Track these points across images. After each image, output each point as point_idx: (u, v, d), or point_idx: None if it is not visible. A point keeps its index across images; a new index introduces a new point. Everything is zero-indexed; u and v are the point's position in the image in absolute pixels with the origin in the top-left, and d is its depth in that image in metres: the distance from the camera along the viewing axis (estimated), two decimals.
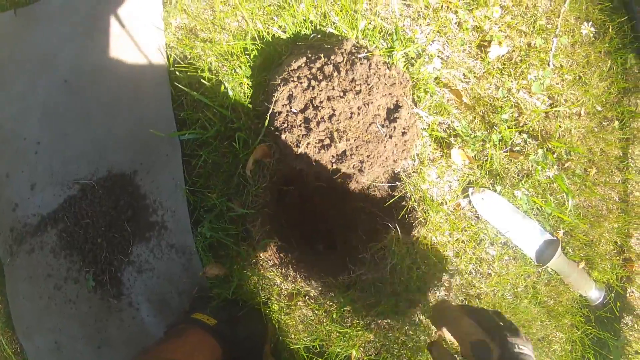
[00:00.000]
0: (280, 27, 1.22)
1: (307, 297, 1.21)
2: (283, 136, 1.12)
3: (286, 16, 1.21)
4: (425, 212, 1.21)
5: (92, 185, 1.33)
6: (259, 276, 1.19)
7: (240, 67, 1.19)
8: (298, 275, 1.21)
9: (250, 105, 1.19)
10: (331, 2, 1.23)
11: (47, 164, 1.40)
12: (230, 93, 1.16)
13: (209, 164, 1.20)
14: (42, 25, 1.46)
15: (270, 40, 1.21)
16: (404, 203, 1.23)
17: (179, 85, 1.20)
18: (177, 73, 1.24)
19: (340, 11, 1.20)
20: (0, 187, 1.46)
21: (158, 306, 1.29)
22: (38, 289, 1.40)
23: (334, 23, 1.20)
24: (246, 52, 1.22)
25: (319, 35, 1.21)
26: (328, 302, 1.19)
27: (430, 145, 1.22)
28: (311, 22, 1.21)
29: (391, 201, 1.22)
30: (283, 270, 1.21)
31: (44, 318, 1.40)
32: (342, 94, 1.09)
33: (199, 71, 1.23)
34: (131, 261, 1.31)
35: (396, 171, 1.22)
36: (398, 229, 1.18)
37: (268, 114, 1.11)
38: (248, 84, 1.19)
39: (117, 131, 1.34)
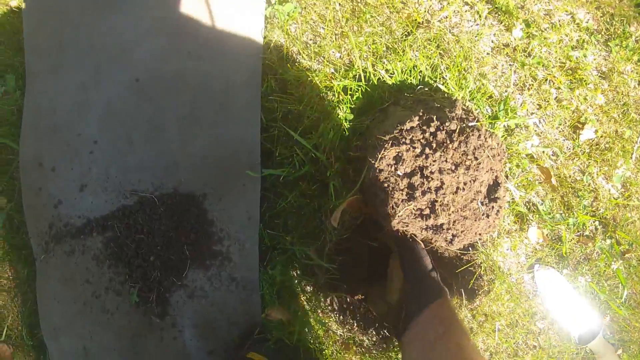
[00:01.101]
0: (387, 70, 1.12)
1: (361, 347, 1.18)
2: (381, 196, 1.04)
3: (396, 60, 1.11)
4: (491, 281, 1.19)
5: (153, 200, 1.21)
6: (319, 322, 1.15)
7: (341, 107, 1.08)
8: (355, 323, 1.18)
9: (343, 148, 1.10)
10: (442, 56, 1.13)
11: (102, 167, 1.25)
12: (328, 135, 1.06)
13: (291, 205, 1.11)
14: (118, 13, 1.26)
15: (376, 83, 1.11)
16: (472, 269, 1.20)
17: (272, 118, 1.08)
18: (270, 98, 1.11)
19: (452, 66, 1.12)
20: (42, 179, 1.29)
21: (204, 332, 1.22)
22: (73, 293, 1.28)
23: (444, 78, 1.11)
24: (349, 92, 1.11)
25: (426, 89, 1.12)
26: (382, 354, 1.18)
27: (509, 218, 1.19)
28: (420, 72, 1.12)
29: (463, 268, 1.19)
30: (341, 317, 1.17)
31: (75, 322, 1.29)
32: (454, 167, 1.03)
33: (296, 103, 1.13)
34: (184, 285, 1.22)
35: (466, 243, 1.19)
36: (464, 294, 1.15)
37: (367, 169, 1.04)
38: (346, 127, 1.09)
39: (192, 148, 1.20)
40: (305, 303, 1.17)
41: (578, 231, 1.23)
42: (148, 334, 1.25)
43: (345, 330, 1.17)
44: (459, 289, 1.19)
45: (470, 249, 1.21)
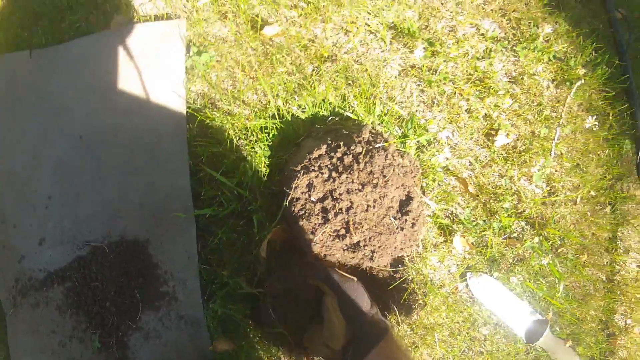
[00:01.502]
0: (299, 106, 1.47)
1: None
2: (300, 222, 1.38)
3: (306, 96, 1.47)
4: (425, 295, 1.51)
5: (104, 249, 1.51)
6: (266, 352, 1.47)
7: (259, 145, 1.44)
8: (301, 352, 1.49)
9: (266, 184, 1.45)
10: (350, 85, 1.48)
11: (57, 220, 1.56)
12: (249, 172, 1.42)
13: (223, 241, 1.45)
14: (59, 72, 1.59)
15: (290, 119, 1.47)
16: (405, 285, 1.52)
17: (198, 162, 1.45)
18: (195, 144, 1.47)
19: (359, 95, 1.47)
20: (7, 236, 1.59)
21: None
22: (41, 344, 1.55)
23: (352, 107, 1.47)
24: (265, 130, 1.47)
25: (337, 118, 1.46)
26: None
27: (433, 231, 1.52)
28: (330, 103, 1.47)
29: (394, 285, 1.51)
30: (288, 347, 1.49)
31: None
32: (360, 187, 1.35)
33: (217, 145, 1.45)
34: (139, 327, 1.49)
35: (399, 255, 1.51)
36: (397, 310, 1.47)
37: (286, 200, 1.35)
38: (265, 163, 1.45)
39: (131, 196, 1.51)
40: (250, 333, 1.50)
41: (504, 234, 1.55)
42: None
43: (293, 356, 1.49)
44: (395, 306, 1.50)
45: (400, 265, 1.54)
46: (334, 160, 1.34)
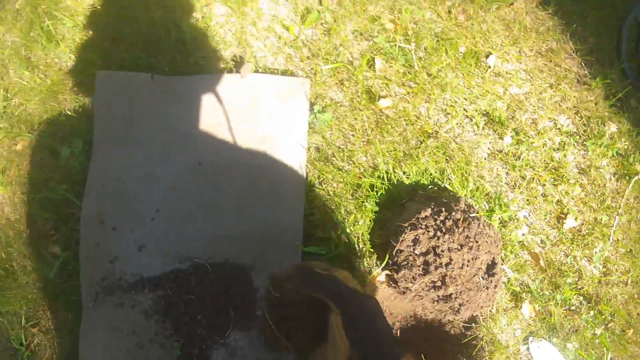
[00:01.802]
0: (404, 172, 1.96)
1: None
2: (402, 272, 1.82)
3: (411, 165, 1.96)
4: (491, 353, 1.97)
5: (206, 267, 1.82)
6: None
7: (368, 201, 1.92)
8: None
9: (369, 235, 1.91)
10: (448, 161, 1.92)
11: (163, 233, 1.74)
12: (358, 223, 1.88)
13: None
14: (181, 101, 1.94)
15: (395, 182, 1.96)
16: (474, 342, 1.98)
17: (312, 206, 1.84)
18: (312, 190, 1.89)
19: (456, 170, 1.98)
20: (102, 236, 1.85)
21: None
22: (117, 341, 1.79)
23: (449, 180, 1.97)
24: (374, 189, 1.95)
25: (436, 188, 1.94)
26: None
27: (506, 296, 2.00)
28: (430, 174, 1.97)
29: (466, 340, 1.96)
30: None
31: None
32: (459, 247, 1.80)
33: (331, 195, 1.84)
34: (226, 343, 1.77)
35: (475, 314, 1.96)
36: None
37: (393, 251, 1.73)
38: (371, 218, 1.92)
39: (243, 225, 1.83)
40: None
41: (565, 305, 2.04)
42: None
43: None
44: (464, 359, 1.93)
45: (473, 324, 1.99)
46: (438, 222, 1.78)
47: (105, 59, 2.07)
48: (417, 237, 1.73)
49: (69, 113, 2.03)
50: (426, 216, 1.75)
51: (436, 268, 1.71)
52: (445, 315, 1.80)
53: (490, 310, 1.84)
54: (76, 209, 1.93)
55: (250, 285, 1.84)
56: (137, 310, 1.82)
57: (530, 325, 1.88)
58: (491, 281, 1.76)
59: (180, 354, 1.77)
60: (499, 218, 1.85)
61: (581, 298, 1.94)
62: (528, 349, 1.88)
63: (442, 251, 1.72)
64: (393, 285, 1.80)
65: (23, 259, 1.98)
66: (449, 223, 1.74)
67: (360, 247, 1.76)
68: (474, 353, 1.86)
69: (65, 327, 1.91)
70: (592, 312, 1.90)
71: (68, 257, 1.92)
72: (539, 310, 1.87)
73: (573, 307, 1.92)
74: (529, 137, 1.96)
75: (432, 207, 1.78)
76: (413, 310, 1.85)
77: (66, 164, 2.00)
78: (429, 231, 1.73)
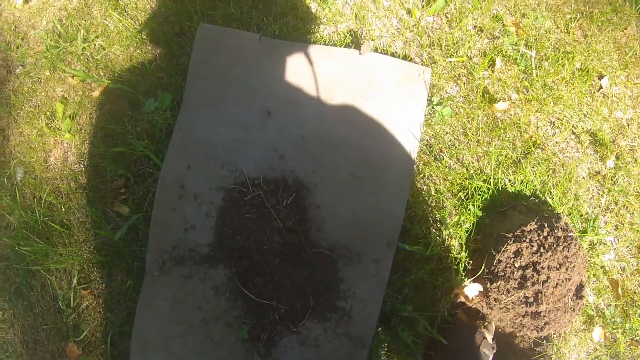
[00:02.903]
0: (510, 180, 1.97)
1: None
2: (497, 283, 1.84)
3: (518, 173, 1.97)
4: None
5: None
6: None
7: (472, 203, 1.92)
8: None
9: (465, 239, 1.91)
10: (551, 174, 1.94)
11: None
12: (463, 225, 1.88)
13: (416, 278, 1.88)
14: (289, 68, 1.88)
15: (500, 188, 1.96)
16: (542, 359, 2.02)
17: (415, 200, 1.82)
18: (416, 184, 1.87)
19: (558, 185, 1.99)
20: (182, 203, 1.76)
21: None
22: (180, 314, 1.73)
23: (551, 194, 1.98)
24: (478, 192, 1.94)
25: (537, 200, 1.97)
26: None
27: (580, 318, 2.04)
28: (534, 185, 1.98)
29: (536, 357, 2.00)
30: None
31: (173, 342, 1.72)
32: (558, 266, 1.83)
33: (435, 191, 1.84)
34: (298, 332, 1.73)
35: (550, 332, 1.99)
36: None
37: (487, 258, 1.75)
38: (472, 221, 1.92)
39: (341, 210, 1.79)
40: None
41: (632, 335, 2.09)
42: None
43: None
44: None
45: (545, 341, 2.03)
46: (541, 237, 1.80)
47: (210, 12, 1.99)
48: (520, 250, 1.75)
49: (159, 63, 1.95)
50: (531, 230, 1.78)
51: (533, 284, 1.74)
52: (522, 329, 1.78)
53: (564, 331, 1.86)
54: (154, 169, 1.87)
55: (334, 275, 1.79)
56: (207, 285, 1.76)
57: (597, 349, 1.92)
58: (578, 303, 1.79)
59: (247, 337, 1.73)
60: (590, 240, 1.85)
61: None
62: None
63: (542, 268, 1.74)
64: (482, 294, 1.80)
65: (84, 215, 1.91)
66: (550, 240, 1.77)
67: (457, 250, 1.73)
68: None
69: (122, 294, 1.86)
70: None
71: (138, 220, 1.84)
72: (608, 336, 1.90)
73: (638, 338, 1.95)
74: (627, 163, 1.96)
75: (536, 220, 1.78)
76: (489, 320, 1.81)
77: (149, 118, 1.92)
78: (532, 246, 1.75)
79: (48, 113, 2.02)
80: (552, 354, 1.87)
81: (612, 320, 1.93)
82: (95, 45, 2.03)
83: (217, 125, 1.86)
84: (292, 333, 1.73)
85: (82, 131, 1.97)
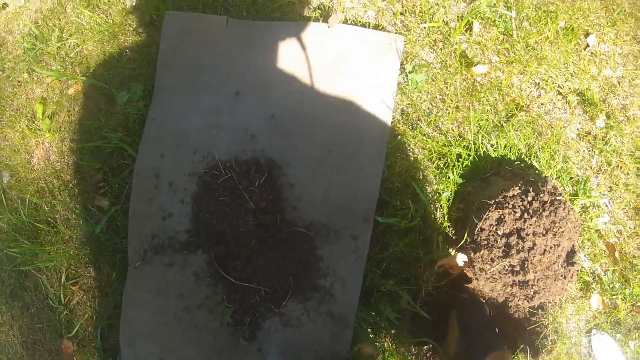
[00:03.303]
0: (492, 145, 1.90)
1: None
2: (480, 252, 1.78)
3: (500, 137, 1.90)
4: (553, 342, 1.95)
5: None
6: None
7: (452, 171, 1.86)
8: None
9: (447, 208, 1.86)
10: (536, 138, 1.88)
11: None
12: (440, 194, 1.82)
13: (395, 252, 1.84)
14: (258, 48, 1.86)
15: (482, 154, 1.89)
16: (539, 329, 1.96)
17: (391, 173, 1.79)
18: (393, 155, 1.82)
19: (545, 147, 1.92)
20: (156, 191, 1.78)
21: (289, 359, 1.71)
22: (164, 304, 1.76)
23: (537, 157, 1.91)
24: (460, 159, 1.88)
25: (522, 165, 1.89)
26: None
27: (576, 285, 1.97)
28: (518, 149, 1.91)
29: (532, 327, 1.93)
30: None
31: (159, 332, 1.76)
32: (544, 232, 1.75)
33: (413, 162, 1.79)
34: (280, 313, 1.74)
35: (542, 301, 1.92)
36: (529, 350, 1.90)
37: (474, 229, 1.69)
38: (452, 189, 1.87)
39: (315, 188, 1.79)
40: (394, 344, 1.88)
41: (632, 301, 2.01)
42: (231, 355, 1.74)
43: None
44: (526, 346, 1.90)
45: (540, 310, 1.96)
46: (525, 203, 1.72)
47: None
48: (502, 217, 1.70)
49: (130, 55, 1.96)
50: (514, 195, 1.73)
51: (518, 252, 1.68)
52: (514, 299, 1.73)
53: (559, 299, 1.79)
54: (129, 160, 1.88)
55: (313, 253, 1.78)
56: (188, 272, 1.79)
57: (596, 317, 1.87)
58: (569, 270, 1.75)
59: (230, 321, 1.74)
60: (582, 203, 1.77)
61: None
62: (589, 341, 1.88)
63: (527, 234, 1.69)
64: (467, 264, 1.76)
65: (67, 212, 1.94)
66: (536, 205, 1.71)
67: (439, 220, 1.68)
68: (538, 341, 1.85)
69: (108, 287, 1.89)
70: None
71: (116, 212, 1.87)
72: (607, 302, 1.83)
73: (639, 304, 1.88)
74: (619, 122, 1.88)
75: (520, 185, 1.73)
76: (480, 290, 1.79)
77: (122, 110, 1.93)
78: (515, 212, 1.70)
79: (29, 115, 2.05)
80: (548, 324, 1.80)
81: (611, 286, 1.87)
82: (69, 43, 2.05)
83: (188, 112, 1.86)
84: (275, 315, 1.74)
85: (62, 129, 1.99)
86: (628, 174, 1.90)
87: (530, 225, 1.68)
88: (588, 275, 1.86)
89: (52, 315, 1.91)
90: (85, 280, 1.91)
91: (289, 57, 1.85)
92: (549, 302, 1.83)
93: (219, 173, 1.77)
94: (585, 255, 1.84)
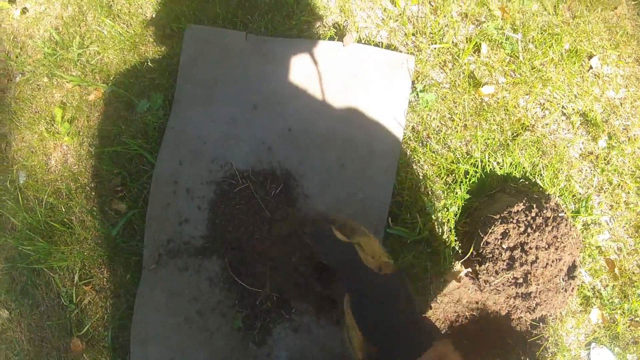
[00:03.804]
0: (498, 163, 2.01)
1: None
2: (485, 265, 1.88)
3: (506, 155, 2.01)
4: (553, 355, 2.05)
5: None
6: None
7: (460, 187, 1.97)
8: None
9: (454, 223, 1.96)
10: (541, 157, 1.97)
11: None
12: (447, 209, 1.93)
13: (405, 261, 1.94)
14: (275, 63, 1.97)
15: (488, 172, 2.01)
16: (539, 342, 2.06)
17: (401, 187, 1.88)
18: (403, 171, 1.92)
19: (548, 166, 2.03)
20: (173, 196, 1.84)
21: None
22: (177, 306, 1.83)
23: (541, 175, 2.02)
24: (467, 176, 2.00)
25: (527, 182, 2.01)
26: None
27: (576, 300, 2.07)
28: (523, 168, 2.02)
29: (533, 339, 2.03)
30: None
31: (171, 334, 1.81)
32: (547, 246, 1.86)
33: (421, 177, 1.89)
34: (291, 319, 1.81)
35: (547, 314, 2.03)
36: None
37: (480, 242, 1.78)
38: (460, 205, 1.97)
39: (328, 199, 1.87)
40: None
41: (631, 316, 2.12)
42: (241, 358, 1.81)
43: None
44: (527, 358, 1.99)
45: (541, 323, 2.06)
46: (529, 218, 1.83)
47: (197, 13, 2.08)
48: (507, 231, 1.79)
49: (151, 65, 2.04)
50: (518, 210, 1.81)
51: (521, 265, 1.77)
52: (517, 311, 1.83)
53: (561, 312, 1.89)
54: (148, 166, 1.96)
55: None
56: (202, 277, 1.85)
57: (595, 331, 1.95)
58: (570, 284, 1.83)
59: (241, 325, 1.80)
60: (583, 220, 1.88)
61: None
62: (589, 354, 1.96)
63: (530, 248, 1.77)
64: (472, 277, 1.87)
65: (83, 213, 2.01)
66: (539, 220, 1.80)
67: (446, 234, 1.79)
68: (538, 353, 1.92)
69: (122, 288, 1.95)
70: None
71: (134, 216, 1.94)
72: (606, 317, 1.93)
73: (638, 319, 1.97)
74: (620, 142, 1.99)
75: (525, 202, 1.82)
76: (484, 302, 1.88)
77: (142, 118, 2.01)
78: (519, 226, 1.78)
79: (47, 118, 2.12)
80: (548, 337, 1.90)
81: (610, 301, 1.96)
82: (90, 51, 2.12)
83: (207, 122, 1.95)
84: (287, 321, 1.81)
85: (80, 134, 2.06)
86: (629, 192, 2.01)
87: (534, 239, 1.75)
88: (588, 290, 1.95)
89: (62, 313, 1.95)
90: (98, 281, 1.96)
91: (305, 73, 1.95)
92: (550, 315, 1.91)
93: (236, 182, 1.86)
94: (586, 271, 1.93)
